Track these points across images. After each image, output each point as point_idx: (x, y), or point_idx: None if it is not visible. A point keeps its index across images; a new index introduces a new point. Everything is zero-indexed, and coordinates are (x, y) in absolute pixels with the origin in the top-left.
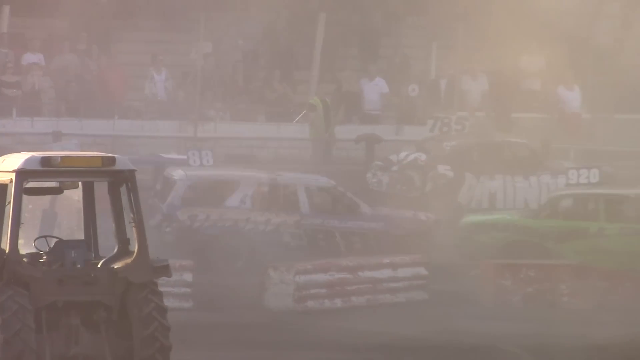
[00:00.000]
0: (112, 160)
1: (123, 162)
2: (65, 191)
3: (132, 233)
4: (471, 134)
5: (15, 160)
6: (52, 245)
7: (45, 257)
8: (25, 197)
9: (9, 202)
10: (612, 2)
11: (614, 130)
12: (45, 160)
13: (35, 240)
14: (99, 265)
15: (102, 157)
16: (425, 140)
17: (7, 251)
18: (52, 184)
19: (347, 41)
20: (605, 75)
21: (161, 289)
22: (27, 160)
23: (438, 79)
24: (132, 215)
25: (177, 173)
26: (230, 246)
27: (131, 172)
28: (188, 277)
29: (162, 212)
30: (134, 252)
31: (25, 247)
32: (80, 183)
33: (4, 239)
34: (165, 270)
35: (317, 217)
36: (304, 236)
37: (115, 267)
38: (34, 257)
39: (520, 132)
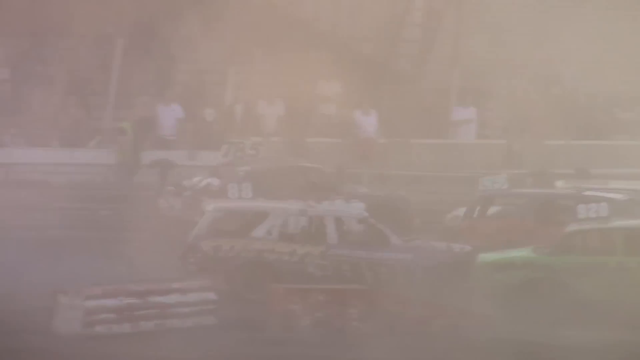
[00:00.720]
0: None
1: None
2: None
3: None
4: (265, 159)
5: None
6: None
7: None
8: None
9: None
10: (413, 28)
11: (409, 155)
12: None
13: None
14: None
15: None
16: (220, 166)
17: None
18: None
19: (144, 67)
20: (403, 100)
21: None
22: None
23: (234, 104)
24: None
25: (209, 204)
26: (254, 277)
27: None
28: None
29: (187, 242)
30: None
31: None
32: None
33: None
34: None
35: (344, 248)
36: (329, 267)
37: None
38: None
39: (314, 157)
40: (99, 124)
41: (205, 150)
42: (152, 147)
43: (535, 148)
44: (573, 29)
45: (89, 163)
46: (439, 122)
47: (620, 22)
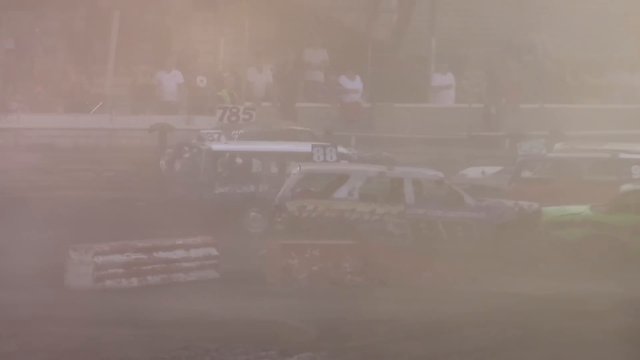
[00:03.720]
0: None
1: None
2: None
3: None
4: (258, 123)
5: None
6: None
7: None
8: None
9: None
10: None
11: (392, 118)
12: None
13: None
14: None
15: None
16: (215, 129)
17: None
18: None
19: (142, 37)
20: (384, 68)
21: None
22: None
23: (223, 71)
24: None
25: (294, 167)
26: (336, 235)
27: None
28: None
29: (274, 203)
30: None
31: None
32: None
33: None
34: None
35: (421, 208)
36: (407, 226)
37: None
38: None
39: (304, 121)
40: (101, 90)
41: (199, 115)
42: (144, 112)
43: (510, 111)
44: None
45: (92, 127)
46: (419, 87)
47: None
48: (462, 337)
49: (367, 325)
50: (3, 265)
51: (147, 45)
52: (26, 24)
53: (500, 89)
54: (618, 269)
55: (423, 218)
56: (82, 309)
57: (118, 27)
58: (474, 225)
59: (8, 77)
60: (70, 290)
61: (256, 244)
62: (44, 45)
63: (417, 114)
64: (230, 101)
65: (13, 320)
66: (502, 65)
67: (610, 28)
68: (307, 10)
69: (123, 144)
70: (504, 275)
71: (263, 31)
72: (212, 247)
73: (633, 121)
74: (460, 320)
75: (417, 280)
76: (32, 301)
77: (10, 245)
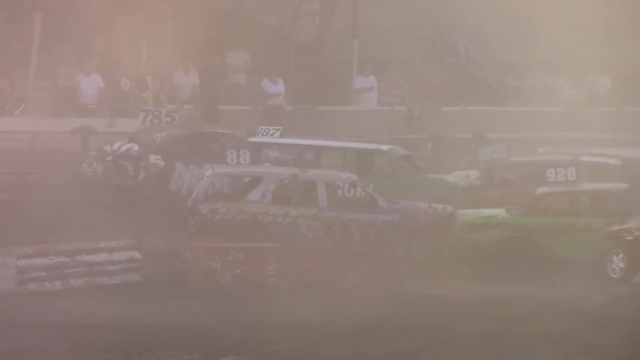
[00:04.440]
0: None
1: None
2: None
3: None
4: (180, 126)
5: None
6: None
7: None
8: None
9: None
10: (312, 1)
11: (314, 121)
12: None
13: None
14: None
15: None
16: (137, 132)
17: None
18: None
19: (63, 40)
20: (306, 69)
21: None
22: None
23: (145, 74)
24: None
25: (208, 170)
26: (248, 238)
27: None
28: None
29: (187, 206)
30: None
31: None
32: None
33: None
34: None
35: (334, 210)
36: (320, 228)
37: None
38: None
39: (227, 123)
40: (23, 93)
41: (122, 117)
42: (67, 115)
43: (433, 114)
44: (466, 2)
45: (14, 130)
46: (341, 90)
47: None
48: (385, 340)
49: (291, 329)
50: None
51: (70, 48)
52: None
53: (422, 92)
54: (535, 271)
55: (336, 221)
56: (5, 313)
57: (40, 29)
58: (387, 228)
59: None
60: None
61: (180, 247)
62: None
63: (340, 117)
64: (156, 103)
65: None
66: (424, 68)
67: (532, 31)
68: (230, 12)
69: (45, 146)
70: (427, 278)
71: (186, 34)
72: (134, 250)
73: (555, 123)
74: (384, 323)
75: (340, 284)
76: None
77: None
